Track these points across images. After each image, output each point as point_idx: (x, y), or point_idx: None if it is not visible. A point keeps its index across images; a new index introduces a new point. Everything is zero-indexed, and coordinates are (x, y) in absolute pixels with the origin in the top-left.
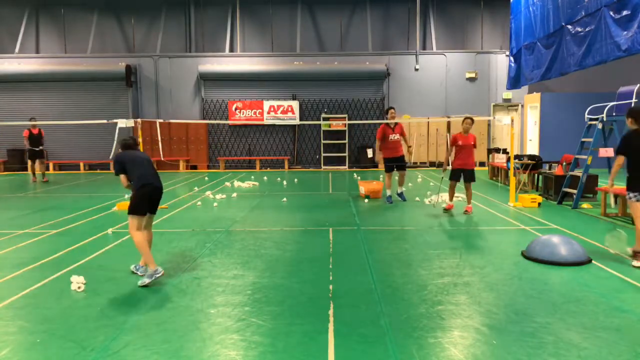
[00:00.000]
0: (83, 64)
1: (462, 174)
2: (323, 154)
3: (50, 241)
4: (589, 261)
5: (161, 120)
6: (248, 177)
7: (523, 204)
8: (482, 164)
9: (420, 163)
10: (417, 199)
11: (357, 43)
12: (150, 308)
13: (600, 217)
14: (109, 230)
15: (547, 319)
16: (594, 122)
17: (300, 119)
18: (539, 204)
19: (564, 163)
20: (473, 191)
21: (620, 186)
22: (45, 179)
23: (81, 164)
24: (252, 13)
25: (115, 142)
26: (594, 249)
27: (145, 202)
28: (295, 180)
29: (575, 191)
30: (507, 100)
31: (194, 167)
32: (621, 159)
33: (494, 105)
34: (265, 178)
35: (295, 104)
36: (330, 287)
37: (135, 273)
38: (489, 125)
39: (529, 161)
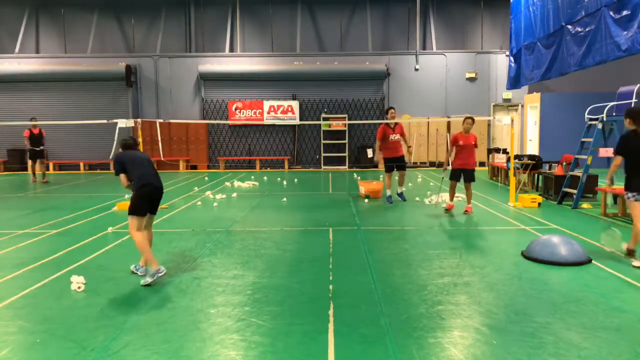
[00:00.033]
0: (83, 64)
1: (462, 174)
2: (323, 154)
3: (50, 241)
4: (589, 261)
5: (161, 120)
6: (248, 177)
7: (523, 204)
8: (482, 164)
9: (420, 163)
10: (417, 199)
11: (357, 43)
12: (150, 308)
13: (600, 217)
14: (109, 229)
15: (547, 319)
16: (594, 122)
17: (300, 119)
18: (539, 204)
19: (564, 163)
20: (473, 191)
21: (620, 186)
22: (45, 180)
23: (81, 164)
24: (252, 13)
25: (115, 142)
26: (594, 249)
27: (146, 202)
28: (295, 180)
29: (575, 191)
30: (507, 100)
31: (194, 167)
32: (619, 159)
33: (494, 105)
34: (265, 178)
35: (295, 104)
36: (330, 287)
37: (135, 273)
38: (489, 125)
39: (529, 161)
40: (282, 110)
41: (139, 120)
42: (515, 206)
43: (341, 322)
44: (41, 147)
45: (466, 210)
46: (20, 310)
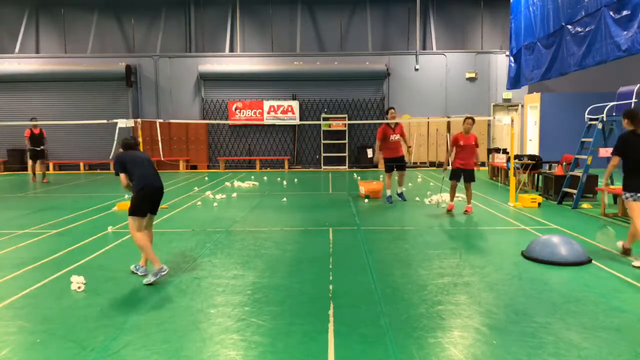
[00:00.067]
0: (83, 64)
1: (462, 174)
2: (323, 154)
3: (50, 241)
4: (589, 261)
5: (161, 120)
6: (248, 177)
7: (523, 204)
8: (482, 164)
9: (420, 163)
10: (417, 199)
11: (357, 43)
12: (150, 308)
13: (600, 217)
14: (109, 228)
15: (547, 319)
16: (594, 122)
17: (300, 119)
18: (539, 204)
19: (564, 163)
20: (473, 191)
21: (618, 186)
22: (45, 180)
23: (81, 164)
24: (252, 13)
25: (115, 142)
26: (594, 249)
27: (146, 203)
28: (295, 180)
29: (575, 191)
30: (507, 100)
31: (194, 167)
32: (616, 160)
33: (494, 105)
34: (265, 178)
35: (295, 104)
36: (330, 287)
37: (135, 273)
38: (489, 125)
39: (529, 161)
40: (282, 110)
41: (139, 120)
42: (515, 206)
43: (341, 322)
44: (42, 147)
45: (466, 210)
46: (20, 310)
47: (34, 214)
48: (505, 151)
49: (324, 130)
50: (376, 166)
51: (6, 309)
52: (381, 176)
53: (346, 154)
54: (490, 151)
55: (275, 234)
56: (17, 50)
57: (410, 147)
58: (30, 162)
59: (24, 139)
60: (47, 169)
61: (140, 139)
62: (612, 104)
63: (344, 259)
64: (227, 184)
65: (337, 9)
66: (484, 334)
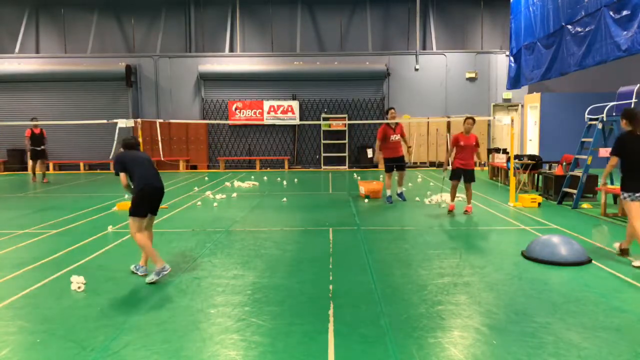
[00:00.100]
0: (83, 64)
1: (462, 174)
2: (323, 154)
3: (50, 241)
4: (589, 261)
5: (161, 120)
6: (248, 177)
7: (523, 204)
8: (483, 164)
9: (420, 163)
10: (417, 199)
11: (357, 43)
12: (150, 308)
13: (600, 217)
14: (109, 228)
15: (547, 319)
16: (594, 122)
17: (300, 119)
18: (539, 204)
19: (564, 163)
20: (473, 191)
21: (616, 187)
22: (45, 180)
23: (81, 164)
24: (252, 13)
25: (115, 142)
26: (594, 249)
27: (146, 203)
28: (295, 180)
29: (575, 191)
30: (507, 100)
31: (194, 167)
32: (614, 160)
33: (494, 105)
34: (265, 178)
35: (295, 104)
36: (330, 287)
37: (136, 273)
38: (489, 125)
39: (529, 161)
40: (282, 110)
41: (139, 120)
42: (515, 206)
43: (341, 322)
44: (42, 147)
45: (466, 210)
46: (20, 310)
47: (34, 214)
48: (505, 151)
49: (324, 130)
50: (376, 166)
51: (6, 309)
52: (381, 176)
53: (346, 154)
54: (490, 151)
55: (275, 234)
56: (17, 50)
57: (410, 147)
58: (30, 162)
59: (24, 139)
60: (47, 169)
61: (140, 139)
62: (612, 104)
63: (344, 259)
64: (227, 184)
65: (337, 9)
66: (484, 334)
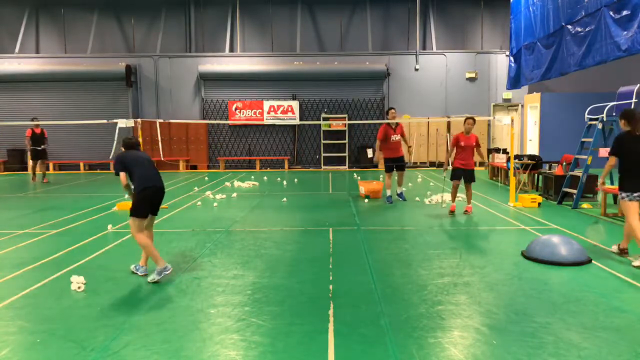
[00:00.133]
0: (83, 64)
1: (462, 174)
2: (323, 154)
3: (50, 241)
4: (589, 261)
5: (161, 120)
6: (248, 177)
7: (523, 204)
8: (482, 164)
9: (420, 163)
10: (417, 199)
11: (357, 43)
12: (150, 308)
13: (601, 217)
14: (109, 227)
15: (547, 319)
16: (594, 122)
17: (300, 119)
18: (539, 204)
19: (564, 163)
20: (473, 191)
21: (612, 186)
22: (45, 180)
23: (81, 164)
24: (252, 13)
25: (115, 142)
26: (594, 249)
27: (147, 204)
28: (295, 180)
29: (575, 191)
30: (507, 100)
31: (194, 167)
32: (613, 160)
33: (494, 105)
34: (265, 178)
35: (295, 104)
36: (330, 287)
37: (135, 273)
38: (489, 125)
39: (529, 161)
40: (282, 110)
41: (139, 120)
42: (515, 206)
43: (341, 322)
44: (43, 147)
45: (466, 210)
46: (20, 310)
47: (34, 214)
48: (505, 151)
49: (324, 130)
50: (376, 166)
51: (6, 309)
52: (381, 176)
53: (346, 154)
54: (490, 151)
55: (275, 234)
56: (17, 50)
57: (410, 147)
58: (31, 162)
59: (24, 139)
60: (47, 169)
61: (140, 139)
62: (612, 104)
63: (344, 259)
64: (227, 184)
65: (337, 9)
66: (484, 334)
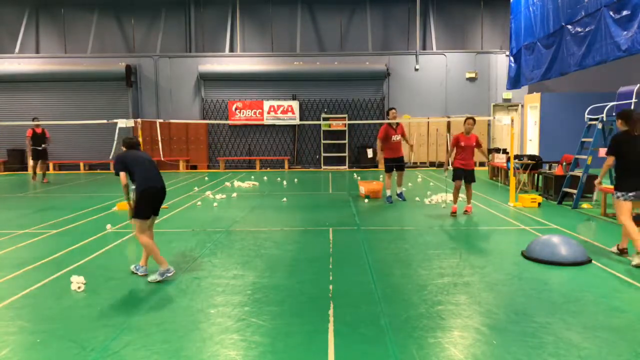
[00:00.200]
0: (83, 64)
1: (463, 174)
2: (323, 154)
3: (50, 241)
4: (589, 261)
5: (161, 120)
6: (248, 177)
7: (523, 204)
8: (482, 164)
9: (420, 163)
10: (417, 199)
11: (357, 43)
12: (150, 308)
13: (600, 217)
14: (108, 226)
15: (547, 319)
16: (594, 122)
17: (300, 119)
18: (539, 204)
19: (564, 163)
20: (473, 191)
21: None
22: (45, 180)
23: (81, 164)
24: (252, 13)
25: (115, 142)
26: (594, 249)
27: (149, 205)
28: (295, 180)
29: (575, 191)
30: (507, 100)
31: (194, 167)
32: (611, 160)
33: (494, 105)
34: (265, 178)
35: (295, 104)
36: (330, 287)
37: (136, 273)
38: (489, 125)
39: (529, 161)
40: (282, 110)
41: (139, 120)
42: (515, 206)
43: (341, 322)
44: (43, 146)
45: (466, 210)
46: (20, 310)
47: (34, 214)
48: (505, 151)
49: (324, 130)
50: (376, 166)
51: (6, 309)
52: (381, 176)
53: (346, 154)
54: (490, 151)
55: (275, 234)
56: (17, 50)
57: (412, 145)
58: (31, 162)
59: (24, 139)
60: (47, 169)
61: (140, 139)
62: (612, 104)
63: (344, 259)
64: (227, 184)
65: (337, 9)
66: (484, 334)
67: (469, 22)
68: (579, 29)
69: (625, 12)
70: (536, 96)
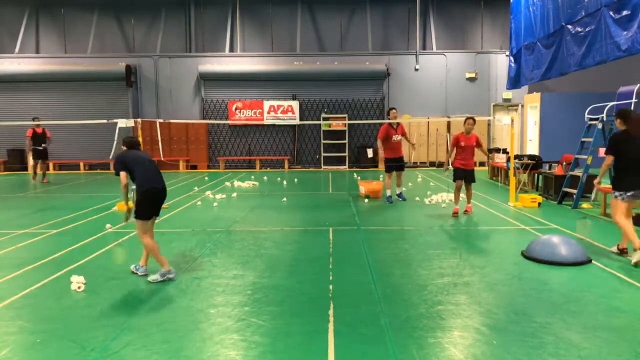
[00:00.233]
0: (83, 64)
1: (464, 174)
2: (323, 154)
3: (50, 241)
4: (589, 261)
5: (161, 120)
6: (248, 177)
7: (523, 204)
8: (482, 164)
9: (420, 163)
10: (417, 199)
11: (357, 43)
12: (150, 308)
13: (601, 217)
14: (107, 226)
15: (547, 319)
16: (594, 122)
17: (300, 119)
18: (539, 204)
19: (564, 163)
20: (473, 191)
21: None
22: (45, 180)
23: (81, 164)
24: (252, 13)
25: (115, 142)
26: (594, 249)
27: (149, 206)
28: (295, 180)
29: (575, 191)
30: (507, 100)
31: (194, 167)
32: (610, 159)
33: (494, 105)
34: (265, 178)
35: (295, 104)
36: (330, 287)
37: (135, 273)
38: (489, 125)
39: (529, 161)
40: (282, 110)
41: (139, 120)
42: (515, 206)
43: (341, 322)
44: (44, 146)
45: (466, 210)
46: (20, 310)
47: (34, 214)
48: (505, 151)
49: (324, 130)
50: (376, 166)
51: (6, 309)
52: (381, 176)
53: (346, 154)
54: (490, 151)
55: (275, 234)
56: (17, 50)
57: (414, 144)
58: (32, 161)
59: (25, 139)
60: (47, 169)
61: (140, 139)
62: (612, 104)
63: (344, 259)
64: (227, 183)
65: (337, 9)
66: (484, 334)
67: (469, 22)
68: (579, 29)
69: (625, 12)
70: (536, 96)
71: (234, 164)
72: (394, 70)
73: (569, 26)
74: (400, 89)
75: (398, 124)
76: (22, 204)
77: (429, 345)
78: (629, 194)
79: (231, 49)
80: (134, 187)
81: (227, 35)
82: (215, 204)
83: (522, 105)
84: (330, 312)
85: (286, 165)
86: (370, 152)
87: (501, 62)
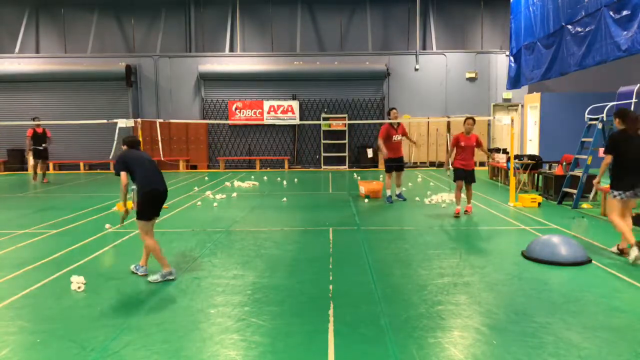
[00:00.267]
0: (83, 64)
1: (464, 174)
2: (323, 154)
3: (50, 241)
4: (589, 261)
5: (161, 120)
6: (248, 177)
7: (523, 204)
8: (482, 164)
9: (420, 163)
10: (417, 199)
11: (357, 43)
12: (150, 308)
13: (601, 217)
14: (107, 226)
15: (547, 319)
16: (594, 122)
17: (300, 119)
18: (539, 204)
19: (564, 163)
20: (473, 191)
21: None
22: (45, 180)
23: (81, 164)
24: (252, 13)
25: (115, 142)
26: (594, 249)
27: (151, 207)
28: (295, 180)
29: (575, 191)
30: (507, 100)
31: (194, 167)
32: (609, 158)
33: (494, 105)
34: (265, 178)
35: (295, 104)
36: (330, 287)
37: (135, 273)
38: (489, 125)
39: (529, 161)
40: (282, 110)
41: (139, 120)
42: (515, 206)
43: (341, 322)
44: (44, 145)
45: (466, 210)
46: (20, 310)
47: (34, 214)
48: (505, 151)
49: (324, 130)
50: (376, 166)
51: (6, 309)
52: (381, 176)
53: (346, 154)
54: (490, 151)
55: (275, 234)
56: (17, 50)
57: (415, 142)
58: (32, 161)
59: (25, 139)
60: (48, 169)
61: (140, 139)
62: (612, 104)
63: (344, 259)
64: (227, 183)
65: (337, 9)
66: (484, 334)
67: (469, 22)
68: (579, 29)
69: (625, 12)
70: (536, 96)
71: (234, 164)
72: (394, 70)
73: (569, 26)
74: (400, 89)
75: (399, 124)
76: (22, 204)
77: (429, 345)
78: (627, 193)
79: (231, 49)
80: (134, 187)
81: (227, 35)
82: (215, 204)
83: (522, 105)
84: (330, 312)
85: (286, 165)
86: (370, 152)
87: (501, 62)
